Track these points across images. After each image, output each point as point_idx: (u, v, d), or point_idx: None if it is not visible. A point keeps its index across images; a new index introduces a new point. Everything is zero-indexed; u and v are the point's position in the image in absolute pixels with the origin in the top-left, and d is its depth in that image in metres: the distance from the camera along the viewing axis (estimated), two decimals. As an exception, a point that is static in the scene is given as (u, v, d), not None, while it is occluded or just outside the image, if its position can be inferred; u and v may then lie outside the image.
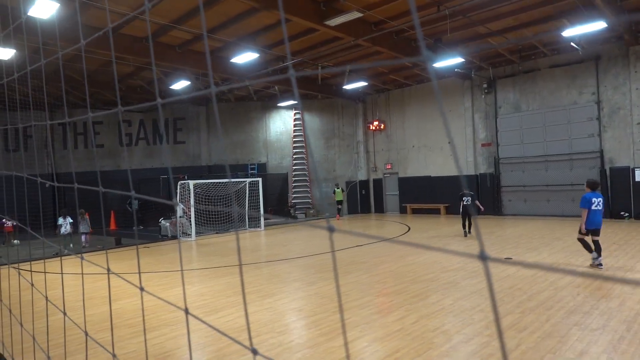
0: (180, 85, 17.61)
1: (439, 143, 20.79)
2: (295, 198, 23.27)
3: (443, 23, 13.11)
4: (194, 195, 15.91)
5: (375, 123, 22.88)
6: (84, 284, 4.17)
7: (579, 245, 8.57)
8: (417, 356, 4.48)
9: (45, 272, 6.14)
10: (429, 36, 14.72)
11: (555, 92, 17.44)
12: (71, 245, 13.69)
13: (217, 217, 17.47)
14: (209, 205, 16.77)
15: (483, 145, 19.35)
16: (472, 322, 5.43)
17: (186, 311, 1.39)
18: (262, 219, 18.14)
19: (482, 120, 19.37)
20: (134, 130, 23.48)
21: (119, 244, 14.61)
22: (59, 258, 11.38)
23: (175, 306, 1.57)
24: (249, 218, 18.24)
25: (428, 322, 5.56)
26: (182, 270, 10.09)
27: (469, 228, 12.97)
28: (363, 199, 23.43)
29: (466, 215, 12.97)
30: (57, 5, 9.48)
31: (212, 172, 22.39)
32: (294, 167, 23.51)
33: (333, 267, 9.57)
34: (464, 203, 13.10)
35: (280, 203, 22.53)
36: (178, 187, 16.42)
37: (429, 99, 20.94)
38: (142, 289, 1.65)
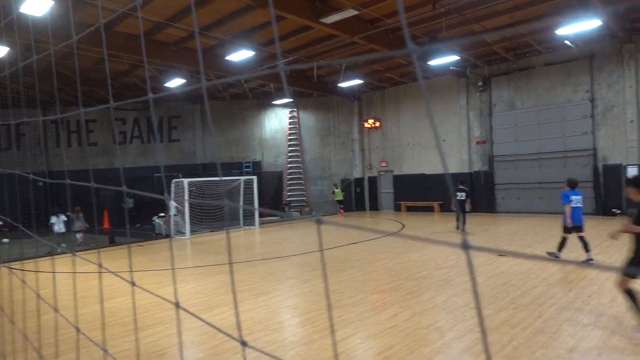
0: (175, 83, 17.53)
1: (433, 141, 20.81)
2: (290, 196, 23.26)
3: (438, 21, 13.13)
4: (189, 194, 15.86)
5: (371, 121, 22.90)
6: (75, 283, 4.15)
7: (574, 241, 8.63)
8: (410, 353, 4.50)
9: (37, 271, 6.10)
10: (424, 34, 14.73)
11: (549, 89, 17.52)
12: (63, 244, 13.60)
13: (211, 215, 17.43)
14: (202, 199, 16.73)
15: (478, 143, 19.42)
16: (465, 319, 5.46)
17: (177, 305, 1.39)
18: (256, 216, 18.10)
19: (477, 118, 19.43)
20: (128, 128, 23.37)
21: (112, 242, 14.55)
22: (51, 257, 11.32)
23: (165, 299, 1.57)
24: (243, 216, 18.21)
25: (421, 319, 5.58)
26: (173, 267, 10.07)
27: (463, 225, 13.03)
28: (358, 197, 23.45)
29: (462, 210, 13.08)
30: (51, 3, 9.41)
31: (207, 170, 22.34)
32: (289, 165, 23.50)
33: (321, 261, 9.55)
34: (458, 198, 13.16)
35: (275, 201, 22.51)
36: (172, 185, 16.37)
37: (423, 97, 20.93)
38: (133, 284, 1.65)
